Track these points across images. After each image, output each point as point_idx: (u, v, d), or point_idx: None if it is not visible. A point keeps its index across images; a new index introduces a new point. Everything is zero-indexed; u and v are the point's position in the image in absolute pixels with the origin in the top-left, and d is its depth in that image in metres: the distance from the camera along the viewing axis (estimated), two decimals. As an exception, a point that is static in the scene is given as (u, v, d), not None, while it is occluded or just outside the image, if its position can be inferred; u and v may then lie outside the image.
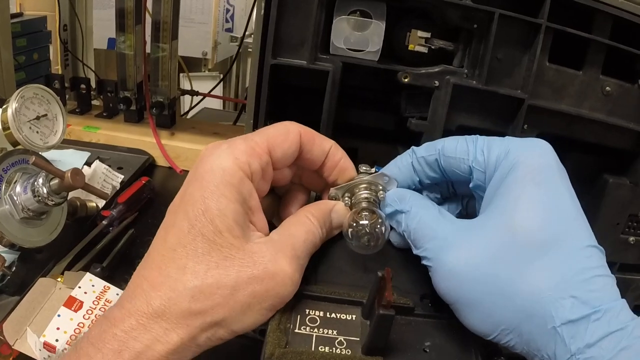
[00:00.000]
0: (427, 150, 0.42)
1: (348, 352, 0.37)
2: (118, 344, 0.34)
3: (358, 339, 0.38)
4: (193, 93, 1.22)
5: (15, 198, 0.61)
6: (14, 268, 0.62)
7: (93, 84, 1.12)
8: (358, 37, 0.49)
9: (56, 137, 0.74)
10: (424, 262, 0.39)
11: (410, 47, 0.51)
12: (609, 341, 0.31)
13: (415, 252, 0.40)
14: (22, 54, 1.69)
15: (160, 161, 1.03)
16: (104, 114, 1.12)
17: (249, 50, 2.93)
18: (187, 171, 0.97)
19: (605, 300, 0.32)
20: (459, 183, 0.44)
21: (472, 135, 0.41)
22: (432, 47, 0.50)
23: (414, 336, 0.39)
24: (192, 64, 2.77)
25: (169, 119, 1.08)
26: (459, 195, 0.46)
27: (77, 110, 1.13)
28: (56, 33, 1.92)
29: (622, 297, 0.39)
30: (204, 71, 2.92)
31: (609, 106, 0.53)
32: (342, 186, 0.46)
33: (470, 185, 0.41)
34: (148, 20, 1.06)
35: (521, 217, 0.35)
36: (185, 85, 1.95)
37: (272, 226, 0.41)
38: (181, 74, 1.66)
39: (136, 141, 1.03)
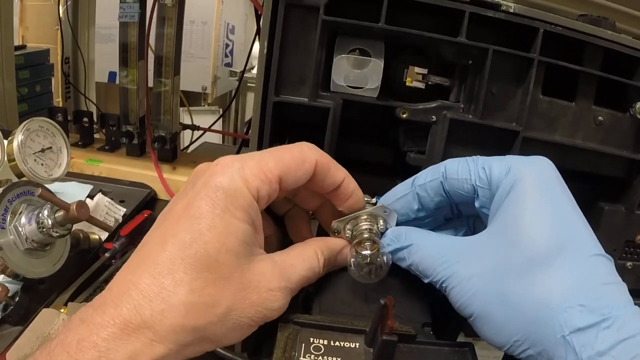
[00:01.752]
0: (431, 175, 0.42)
1: None
2: (97, 353, 0.32)
3: None
4: (194, 128, 1.24)
5: (20, 229, 0.62)
6: (17, 298, 0.63)
7: (95, 118, 1.14)
8: (357, 74, 0.50)
9: (60, 169, 0.75)
10: (437, 287, 0.39)
11: (408, 82, 0.53)
12: (621, 349, 0.31)
13: (426, 281, 0.40)
14: (24, 85, 1.71)
15: (162, 195, 1.04)
16: (106, 147, 1.14)
17: (249, 84, 2.97)
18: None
19: (615, 308, 0.32)
20: (463, 204, 0.44)
21: (472, 156, 0.41)
22: (429, 82, 0.52)
23: None
24: (192, 98, 2.80)
25: (170, 153, 1.10)
26: (464, 216, 0.46)
27: (79, 143, 1.15)
28: (58, 65, 1.95)
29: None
30: (204, 105, 2.94)
31: (602, 135, 0.54)
32: (344, 219, 0.47)
33: (476, 204, 0.41)
34: (150, 55, 1.09)
35: (525, 229, 0.36)
36: (186, 119, 1.97)
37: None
38: (181, 108, 1.68)
39: (138, 175, 1.05)
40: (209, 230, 0.34)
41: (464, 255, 0.38)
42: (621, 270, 0.57)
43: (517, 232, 0.36)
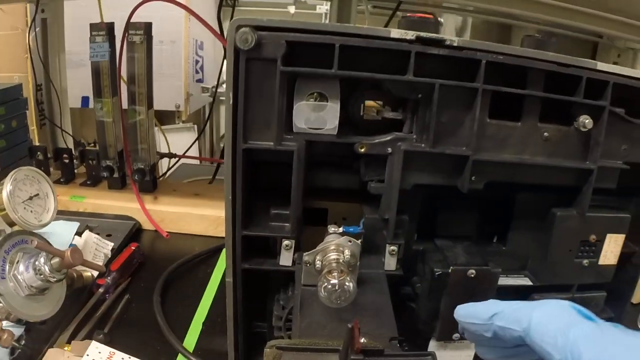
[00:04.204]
0: (510, 323, 0.43)
1: None
2: None
3: None
4: (171, 156, 1.28)
5: (19, 277, 0.66)
6: (23, 341, 0.67)
7: (73, 149, 1.18)
8: (317, 117, 0.55)
9: (49, 214, 0.79)
10: None
11: (366, 116, 0.58)
12: None
13: None
14: (1, 122, 1.73)
15: (146, 225, 1.08)
16: (88, 182, 1.17)
17: (222, 98, 3.00)
18: (176, 234, 1.03)
19: None
20: None
21: (565, 312, 0.41)
22: (384, 117, 0.57)
23: None
24: (165, 117, 2.83)
25: (150, 184, 1.14)
26: None
27: (61, 180, 1.18)
28: (30, 93, 1.96)
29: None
30: (178, 123, 2.97)
31: (550, 150, 0.59)
32: (314, 251, 0.53)
33: None
34: (124, 87, 1.12)
35: None
36: (160, 139, 2.00)
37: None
38: (155, 128, 1.71)
39: (122, 208, 1.09)
40: None
41: None
42: (579, 268, 0.63)
43: None
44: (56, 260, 0.66)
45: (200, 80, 2.87)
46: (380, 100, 0.59)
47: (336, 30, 0.52)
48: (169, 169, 1.43)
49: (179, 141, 2.83)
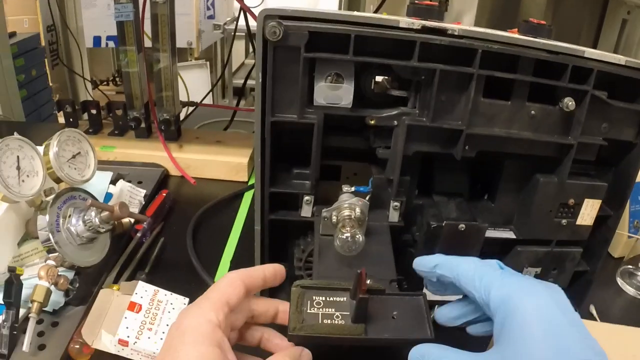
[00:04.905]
0: (448, 272, 0.55)
1: (342, 322, 0.54)
2: None
3: (348, 313, 0.55)
4: (191, 104, 1.36)
5: (72, 229, 0.76)
6: (77, 284, 0.77)
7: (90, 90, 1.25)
8: (334, 95, 0.63)
9: (90, 170, 0.88)
10: None
11: (376, 90, 0.67)
12: None
13: None
14: (21, 72, 1.78)
15: (173, 172, 1.17)
16: (115, 132, 1.26)
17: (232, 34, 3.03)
18: (200, 179, 1.12)
19: None
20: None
21: (484, 266, 0.52)
22: (392, 94, 0.66)
23: (386, 308, 0.56)
24: (178, 54, 2.87)
25: (175, 133, 1.22)
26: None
27: (90, 130, 1.26)
28: (41, 35, 1.99)
29: (562, 266, 0.63)
30: (191, 60, 3.02)
31: (535, 126, 0.66)
32: (330, 208, 0.63)
33: (485, 309, 0.50)
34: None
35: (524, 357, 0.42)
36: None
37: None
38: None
39: (150, 156, 1.18)
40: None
41: None
42: (558, 227, 0.71)
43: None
44: (105, 213, 0.76)
45: (211, 17, 2.89)
46: (389, 77, 0.67)
47: (352, 20, 0.60)
48: (187, 116, 1.50)
49: (192, 78, 2.90)
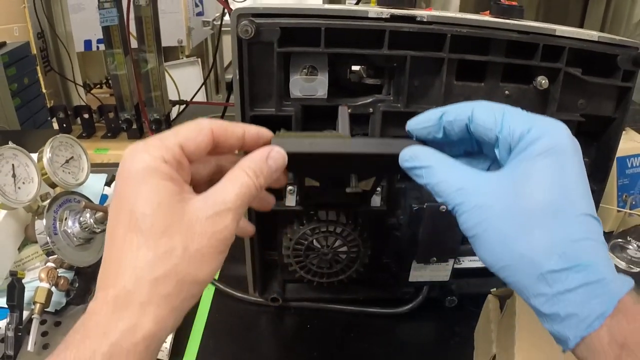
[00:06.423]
0: (457, 114, 0.46)
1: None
2: (101, 327, 0.36)
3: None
4: (181, 103, 1.38)
5: (68, 231, 0.78)
6: (76, 284, 0.80)
7: (84, 95, 1.28)
8: (309, 87, 0.65)
9: (84, 173, 0.91)
10: (449, 208, 0.44)
11: (352, 79, 0.69)
12: (585, 289, 0.37)
13: (439, 200, 0.45)
14: (13, 81, 1.80)
15: (166, 171, 1.19)
16: (108, 135, 1.28)
17: (223, 29, 3.03)
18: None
19: (587, 259, 0.38)
20: (485, 145, 0.47)
21: (499, 106, 0.45)
22: (367, 82, 0.68)
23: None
24: (169, 53, 2.89)
25: (166, 132, 1.24)
26: (485, 153, 0.49)
27: (83, 134, 1.29)
28: (31, 42, 2.00)
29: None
30: (182, 58, 3.03)
31: (511, 105, 0.67)
32: None
33: (495, 150, 0.45)
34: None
35: (530, 187, 0.40)
36: (168, 80, 2.08)
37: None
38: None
39: (142, 156, 1.19)
40: (138, 200, 0.38)
41: (476, 188, 0.42)
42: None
43: (523, 187, 0.41)
44: (100, 214, 0.78)
45: (200, 14, 2.89)
46: (363, 65, 0.69)
47: (322, 13, 0.62)
48: (179, 114, 1.52)
49: (183, 76, 2.91)
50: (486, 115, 0.44)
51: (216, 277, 0.87)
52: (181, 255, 0.38)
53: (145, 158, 0.39)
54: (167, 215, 0.38)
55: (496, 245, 0.41)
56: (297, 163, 0.48)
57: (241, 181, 0.42)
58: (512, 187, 0.41)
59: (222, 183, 0.42)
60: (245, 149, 0.47)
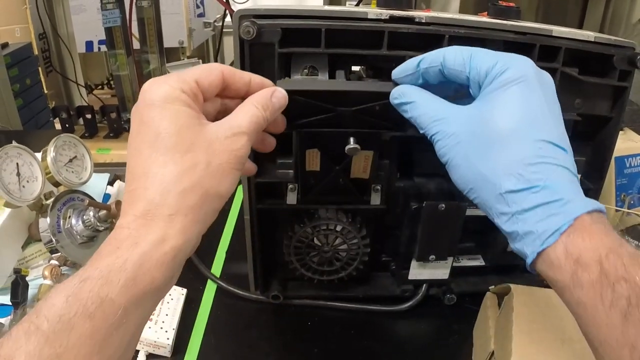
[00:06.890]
0: (431, 61, 0.51)
1: None
2: (132, 239, 0.38)
3: None
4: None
5: (72, 229, 0.80)
6: (80, 281, 0.81)
7: (85, 96, 1.29)
8: (310, 87, 0.67)
9: (87, 172, 0.92)
10: (428, 138, 0.50)
11: (352, 78, 0.70)
12: (542, 209, 0.41)
13: (421, 132, 0.51)
14: (16, 82, 1.80)
15: (168, 170, 1.20)
16: (111, 135, 1.29)
17: (224, 30, 3.04)
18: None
19: (546, 181, 0.41)
20: (462, 84, 0.51)
21: (467, 49, 0.50)
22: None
23: None
24: (170, 54, 2.89)
25: (168, 132, 1.25)
26: (471, 93, 0.52)
27: (85, 134, 1.30)
28: (33, 43, 2.01)
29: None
30: (183, 59, 3.03)
31: None
32: None
33: (470, 90, 0.50)
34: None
35: (496, 113, 0.45)
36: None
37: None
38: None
39: (145, 156, 1.20)
40: (163, 122, 0.42)
41: (451, 118, 0.48)
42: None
43: (490, 114, 0.45)
44: (103, 212, 0.79)
45: (201, 15, 2.89)
46: (363, 66, 0.70)
47: (322, 14, 0.63)
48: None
49: (184, 77, 2.90)
50: (455, 58, 0.50)
51: (218, 275, 0.88)
52: (205, 169, 0.42)
53: (165, 88, 0.43)
54: (190, 134, 0.43)
55: (464, 169, 0.46)
56: (296, 103, 0.56)
57: (252, 112, 0.48)
58: (479, 115, 0.46)
59: (234, 113, 0.47)
60: (250, 93, 0.51)
